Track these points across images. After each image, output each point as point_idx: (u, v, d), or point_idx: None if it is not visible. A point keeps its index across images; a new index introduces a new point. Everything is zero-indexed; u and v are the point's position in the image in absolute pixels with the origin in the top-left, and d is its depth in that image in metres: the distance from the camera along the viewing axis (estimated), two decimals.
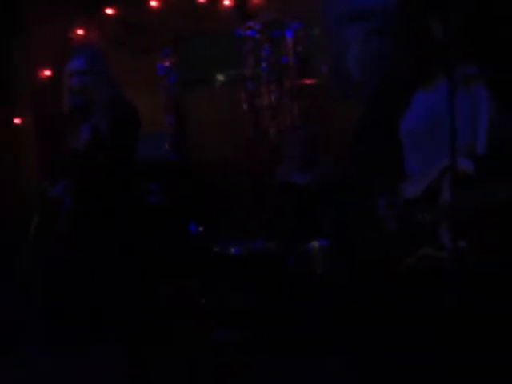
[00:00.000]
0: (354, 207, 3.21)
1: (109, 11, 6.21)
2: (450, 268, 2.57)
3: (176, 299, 4.69)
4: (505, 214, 2.61)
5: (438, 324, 2.64)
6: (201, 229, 5.37)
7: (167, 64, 6.15)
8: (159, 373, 4.01)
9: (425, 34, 2.72)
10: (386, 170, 2.92)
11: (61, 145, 3.99)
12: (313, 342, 4.17)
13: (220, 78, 6.19)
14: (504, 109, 2.67)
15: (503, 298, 2.65)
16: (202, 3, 6.01)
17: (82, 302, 4.03)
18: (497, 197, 2.56)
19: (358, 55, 5.85)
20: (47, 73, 6.20)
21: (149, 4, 6.12)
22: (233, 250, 4.70)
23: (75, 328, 4.19)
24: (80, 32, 6.25)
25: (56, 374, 4.09)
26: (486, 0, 2.73)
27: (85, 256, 3.89)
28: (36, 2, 6.12)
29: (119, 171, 3.92)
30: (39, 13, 6.17)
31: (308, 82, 5.85)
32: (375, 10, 5.69)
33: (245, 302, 4.51)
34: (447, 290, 2.52)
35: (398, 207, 2.82)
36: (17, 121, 6.28)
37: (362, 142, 3.14)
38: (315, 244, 4.48)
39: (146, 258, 4.14)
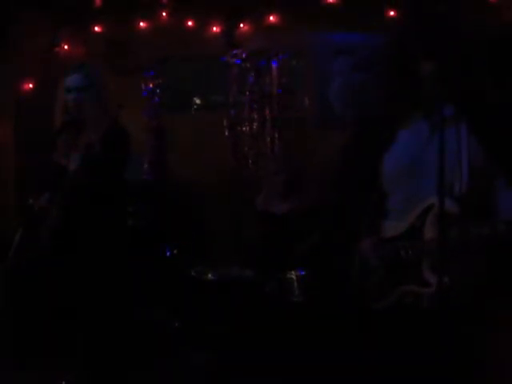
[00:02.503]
0: (334, 239, 3.22)
1: (95, 29, 6.20)
2: (433, 304, 2.61)
3: (150, 323, 4.67)
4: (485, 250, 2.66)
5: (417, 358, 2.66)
6: (175, 252, 5.35)
7: (151, 86, 6.16)
8: None
9: (410, 73, 2.76)
10: (369, 205, 2.94)
11: (47, 159, 3.95)
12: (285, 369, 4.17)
13: (203, 103, 6.20)
14: (484, 148, 2.72)
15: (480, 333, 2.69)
16: (189, 27, 6.05)
17: (55, 318, 4.00)
18: (479, 234, 2.60)
19: (341, 89, 5.95)
20: (30, 86, 6.16)
21: (136, 24, 6.13)
22: (209, 275, 4.68)
23: (45, 345, 4.15)
24: (65, 47, 6.23)
25: None
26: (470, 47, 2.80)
27: (63, 271, 3.86)
28: (21, 15, 6.06)
29: (107, 191, 3.91)
30: (24, 26, 6.13)
31: (290, 112, 5.90)
32: (359, 46, 5.80)
33: (219, 328, 4.49)
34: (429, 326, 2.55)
35: (380, 243, 2.84)
36: None
37: (344, 176, 3.15)
38: (293, 273, 4.49)
39: (121, 279, 4.11)
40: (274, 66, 5.90)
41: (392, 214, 2.88)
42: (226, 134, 5.98)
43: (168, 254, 5.34)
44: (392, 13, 5.53)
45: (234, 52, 5.95)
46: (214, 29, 6.00)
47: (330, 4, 5.65)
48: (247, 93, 5.96)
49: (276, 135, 5.90)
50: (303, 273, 4.48)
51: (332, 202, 3.23)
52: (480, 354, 2.74)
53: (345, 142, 3.14)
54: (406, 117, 2.84)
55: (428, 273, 2.69)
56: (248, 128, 5.95)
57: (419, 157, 2.76)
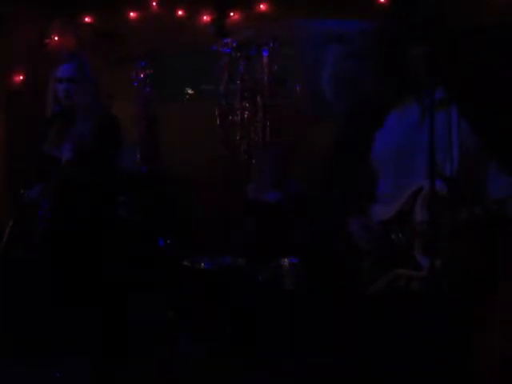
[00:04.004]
0: (325, 226, 3.23)
1: (85, 19, 6.19)
2: (425, 287, 2.63)
3: (144, 312, 4.68)
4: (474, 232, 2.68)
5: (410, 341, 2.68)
6: (169, 241, 5.35)
7: (142, 76, 6.16)
8: None
9: (400, 59, 2.76)
10: (359, 190, 2.95)
11: (37, 149, 3.94)
12: (278, 356, 4.19)
13: (194, 92, 6.20)
14: (475, 131, 2.73)
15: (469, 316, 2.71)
16: (180, 17, 6.04)
17: (48, 310, 4.00)
18: (470, 214, 2.62)
19: (332, 77, 5.95)
20: (21, 77, 6.16)
21: (127, 15, 6.12)
22: (202, 264, 4.69)
23: (38, 338, 4.15)
24: (56, 38, 6.22)
25: None
26: (458, 32, 2.80)
27: (57, 263, 3.86)
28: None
29: (99, 181, 3.91)
30: (13, 17, 6.12)
31: (281, 100, 5.90)
32: (350, 33, 5.80)
33: (213, 316, 4.51)
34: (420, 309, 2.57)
35: (371, 228, 2.84)
36: None
37: (335, 162, 3.16)
38: (285, 261, 4.50)
39: (115, 269, 4.12)
40: (264, 54, 5.89)
41: (382, 198, 2.89)
42: (218, 123, 5.99)
43: (161, 243, 5.34)
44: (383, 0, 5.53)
45: (225, 41, 5.94)
46: (205, 18, 5.99)
47: None
48: (238, 82, 5.96)
49: (267, 124, 5.90)
50: (296, 260, 4.50)
51: (322, 188, 3.24)
52: (473, 336, 2.76)
53: (336, 128, 3.14)
54: (396, 100, 2.84)
55: (419, 256, 2.71)
56: (239, 117, 5.95)
57: (410, 140, 2.77)
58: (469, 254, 2.73)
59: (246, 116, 5.95)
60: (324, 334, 3.80)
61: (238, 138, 5.95)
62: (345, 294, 3.06)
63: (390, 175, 2.86)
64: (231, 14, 5.93)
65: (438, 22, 2.70)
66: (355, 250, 2.89)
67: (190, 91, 6.21)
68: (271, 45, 5.88)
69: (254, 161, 5.58)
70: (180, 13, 6.03)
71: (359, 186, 2.95)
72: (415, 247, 2.73)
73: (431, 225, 2.57)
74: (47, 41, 6.17)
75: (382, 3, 5.53)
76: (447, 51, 2.71)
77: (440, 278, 2.45)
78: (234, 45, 5.94)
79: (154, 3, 6.05)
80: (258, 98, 5.93)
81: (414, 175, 2.73)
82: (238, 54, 5.95)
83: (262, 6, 5.85)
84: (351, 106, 3.20)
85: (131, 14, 6.12)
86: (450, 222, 2.61)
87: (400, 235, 2.77)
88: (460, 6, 2.85)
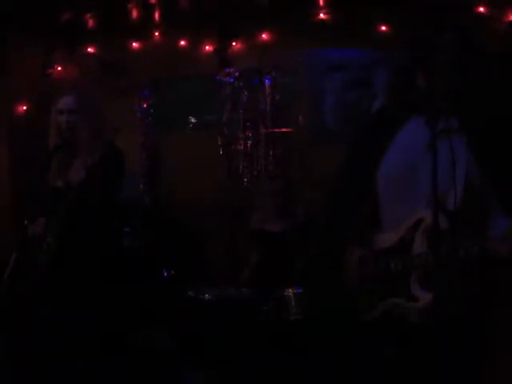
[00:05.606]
0: (328, 255, 3.20)
1: (88, 50, 6.22)
2: (421, 318, 2.60)
3: (146, 343, 4.65)
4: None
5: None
6: (172, 272, 5.33)
7: (145, 106, 6.18)
8: None
9: (408, 83, 2.74)
10: (361, 219, 2.92)
11: (41, 180, 3.93)
12: None
13: (197, 122, 6.20)
14: (481, 163, 2.70)
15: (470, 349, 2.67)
16: (182, 47, 6.06)
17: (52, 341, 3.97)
18: (468, 251, 2.58)
19: (334, 105, 5.96)
20: (24, 108, 6.17)
21: (129, 45, 6.15)
22: (206, 295, 4.66)
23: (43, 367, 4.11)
24: (58, 69, 6.24)
25: None
26: (469, 58, 2.77)
27: (61, 295, 3.83)
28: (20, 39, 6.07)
29: (103, 212, 3.89)
30: (17, 48, 6.15)
31: (284, 129, 5.91)
32: (352, 62, 5.82)
33: (217, 348, 4.47)
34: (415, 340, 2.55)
35: (371, 256, 2.81)
36: None
37: (338, 189, 3.13)
38: (290, 291, 4.47)
39: (118, 299, 4.09)
40: (267, 83, 5.92)
41: (384, 225, 2.85)
42: (221, 152, 6.00)
43: (165, 274, 5.32)
44: (384, 28, 5.54)
45: (227, 71, 5.97)
46: (207, 48, 6.01)
47: (323, 21, 5.67)
48: (241, 111, 5.98)
49: (270, 153, 5.91)
50: (300, 290, 4.47)
51: (327, 216, 3.20)
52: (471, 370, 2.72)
53: (339, 155, 3.11)
54: (405, 120, 2.81)
55: (415, 287, 2.68)
56: (242, 146, 5.96)
57: (415, 168, 2.73)
58: (463, 290, 2.69)
59: (248, 145, 5.96)
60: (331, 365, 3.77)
61: (241, 167, 5.96)
62: (345, 321, 3.03)
63: (393, 200, 2.82)
64: (233, 43, 5.94)
65: (451, 49, 2.68)
66: (356, 278, 2.85)
67: (192, 121, 6.21)
68: (273, 74, 5.91)
69: (257, 190, 5.57)
70: (182, 43, 6.05)
71: (363, 213, 2.91)
72: (412, 278, 2.70)
73: (431, 258, 2.54)
74: (50, 71, 6.19)
75: (383, 32, 5.55)
76: (458, 80, 2.69)
77: (439, 311, 2.42)
78: (237, 74, 5.97)
79: (157, 33, 6.07)
80: (261, 127, 5.94)
81: (418, 203, 2.70)
82: (241, 84, 5.98)
83: (264, 35, 5.86)
84: (356, 132, 3.15)
85: (134, 44, 6.14)
86: (447, 257, 2.58)
87: (399, 265, 2.74)
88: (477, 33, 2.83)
